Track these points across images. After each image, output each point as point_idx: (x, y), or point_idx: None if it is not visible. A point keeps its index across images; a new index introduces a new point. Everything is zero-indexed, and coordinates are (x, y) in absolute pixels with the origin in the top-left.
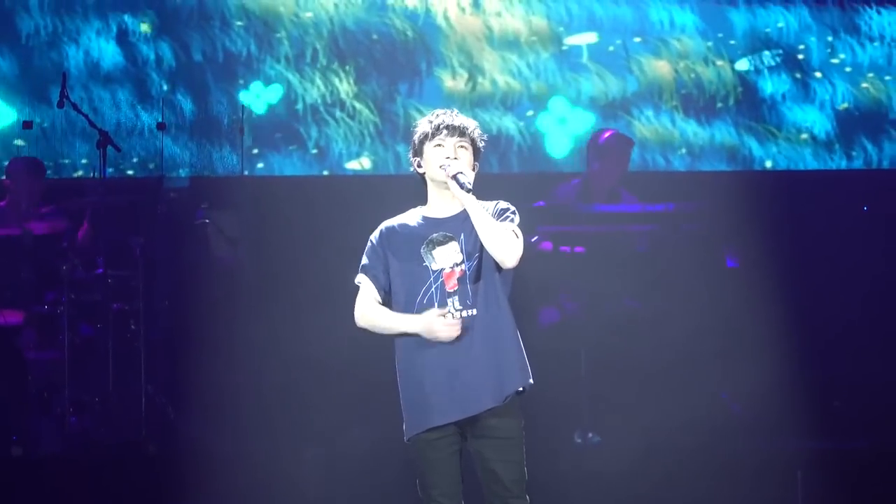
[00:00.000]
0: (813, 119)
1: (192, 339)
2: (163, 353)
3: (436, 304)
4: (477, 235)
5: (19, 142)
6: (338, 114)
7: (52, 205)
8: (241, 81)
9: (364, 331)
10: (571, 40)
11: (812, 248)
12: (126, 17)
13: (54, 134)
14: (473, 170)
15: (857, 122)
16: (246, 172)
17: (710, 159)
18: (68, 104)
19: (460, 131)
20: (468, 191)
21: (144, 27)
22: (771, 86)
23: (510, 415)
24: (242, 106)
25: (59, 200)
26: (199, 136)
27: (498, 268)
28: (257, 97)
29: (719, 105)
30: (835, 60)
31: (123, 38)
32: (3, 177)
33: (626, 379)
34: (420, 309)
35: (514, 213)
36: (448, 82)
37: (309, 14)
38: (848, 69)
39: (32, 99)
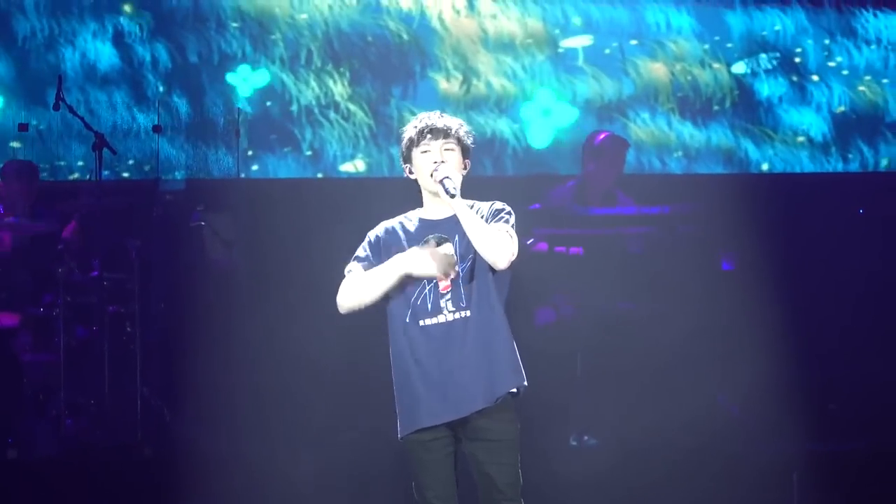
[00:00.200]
0: (809, 122)
1: (187, 342)
2: (158, 355)
3: (429, 306)
4: None
5: (15, 144)
6: (332, 115)
7: (47, 207)
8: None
9: (351, 314)
10: (567, 43)
11: (808, 251)
12: (122, 19)
13: (50, 136)
14: (465, 168)
15: (854, 125)
16: (242, 175)
17: (706, 162)
18: (64, 107)
19: (444, 133)
20: (452, 196)
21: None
22: (767, 88)
23: (504, 417)
24: (238, 109)
25: (54, 203)
26: (194, 138)
27: (492, 270)
28: (244, 80)
29: (716, 108)
30: (831, 63)
31: (119, 39)
32: None
33: (622, 381)
34: (416, 310)
35: (508, 213)
36: (442, 85)
37: (304, 16)
38: (844, 72)
39: (29, 101)
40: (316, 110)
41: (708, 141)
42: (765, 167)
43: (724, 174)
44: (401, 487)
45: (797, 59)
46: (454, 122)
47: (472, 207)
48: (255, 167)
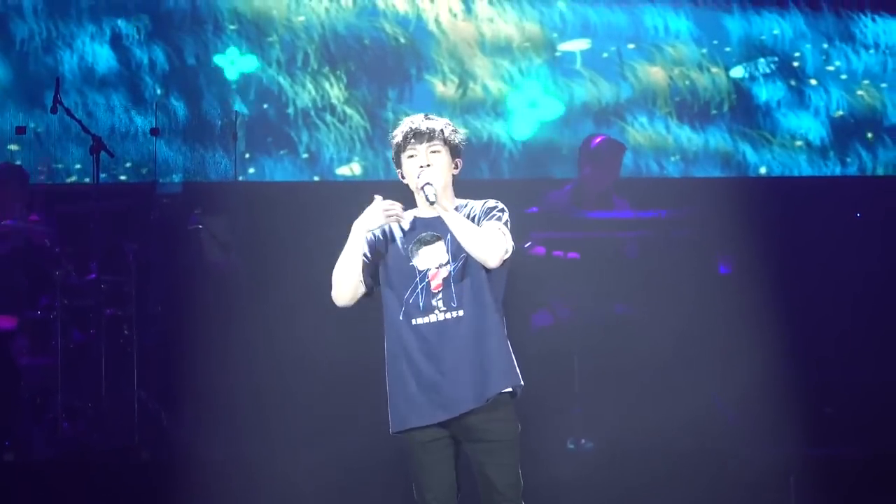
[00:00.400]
0: (808, 126)
1: (185, 345)
2: (156, 358)
3: (421, 304)
4: None
5: (13, 146)
6: (328, 118)
7: (44, 210)
8: (234, 87)
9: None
10: (565, 46)
11: (805, 255)
12: (120, 22)
13: (48, 139)
14: (456, 167)
15: (852, 129)
16: (241, 178)
17: (704, 165)
18: (62, 109)
19: (429, 136)
20: (431, 203)
21: None
22: (766, 93)
23: (502, 417)
24: (236, 111)
25: (51, 206)
26: (192, 141)
27: (486, 268)
28: (231, 63)
29: (714, 112)
30: (830, 68)
31: (117, 42)
32: None
33: (619, 384)
34: (408, 309)
35: (501, 210)
36: (439, 88)
37: (301, 18)
38: (843, 76)
39: (27, 104)
40: (312, 113)
41: (706, 144)
42: (763, 171)
43: (722, 178)
44: (400, 489)
45: (795, 64)
46: (439, 124)
47: (465, 206)
48: (251, 170)
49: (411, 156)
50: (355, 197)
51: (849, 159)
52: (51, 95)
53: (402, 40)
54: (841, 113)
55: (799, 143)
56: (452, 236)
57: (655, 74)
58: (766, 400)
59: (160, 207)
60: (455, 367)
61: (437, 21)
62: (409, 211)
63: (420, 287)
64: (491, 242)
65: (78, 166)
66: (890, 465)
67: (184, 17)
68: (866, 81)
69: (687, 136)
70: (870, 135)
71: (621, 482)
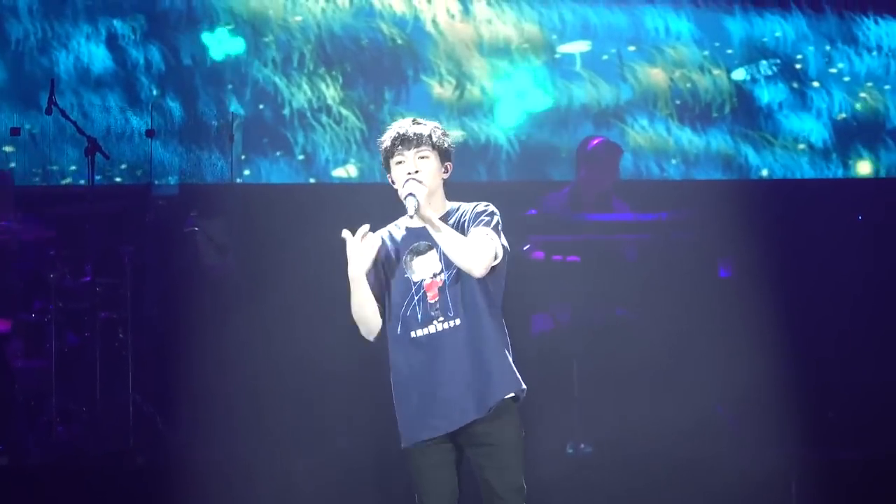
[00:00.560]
0: (810, 128)
1: (181, 348)
2: (151, 362)
3: (419, 317)
4: None
5: (8, 148)
6: (324, 119)
7: (39, 212)
8: (230, 87)
9: (365, 338)
10: (564, 48)
11: (806, 257)
12: (115, 22)
13: (44, 140)
14: (446, 172)
15: (855, 132)
16: (238, 180)
17: (705, 167)
18: (56, 110)
19: (416, 141)
20: (411, 216)
21: None
22: (767, 95)
23: (503, 421)
24: (232, 113)
25: (46, 208)
26: (188, 142)
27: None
28: (219, 43)
29: (715, 115)
30: (832, 70)
31: (113, 42)
32: None
33: (618, 389)
34: (406, 321)
35: (490, 214)
36: (436, 89)
37: (297, 18)
38: (846, 79)
39: (22, 105)
40: (308, 114)
41: (707, 146)
42: (764, 173)
43: (723, 180)
44: (399, 491)
45: (798, 66)
46: (426, 128)
47: (457, 210)
48: (247, 172)
49: (399, 162)
50: (351, 199)
51: (851, 161)
52: (46, 96)
53: (399, 41)
54: (843, 115)
55: (801, 145)
56: None
57: (656, 76)
58: (767, 404)
59: (156, 209)
60: (454, 377)
61: (434, 22)
62: (402, 219)
63: (416, 299)
64: (474, 252)
65: (73, 168)
66: (893, 470)
67: (179, 17)
68: (869, 84)
69: (688, 138)
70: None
71: (621, 487)
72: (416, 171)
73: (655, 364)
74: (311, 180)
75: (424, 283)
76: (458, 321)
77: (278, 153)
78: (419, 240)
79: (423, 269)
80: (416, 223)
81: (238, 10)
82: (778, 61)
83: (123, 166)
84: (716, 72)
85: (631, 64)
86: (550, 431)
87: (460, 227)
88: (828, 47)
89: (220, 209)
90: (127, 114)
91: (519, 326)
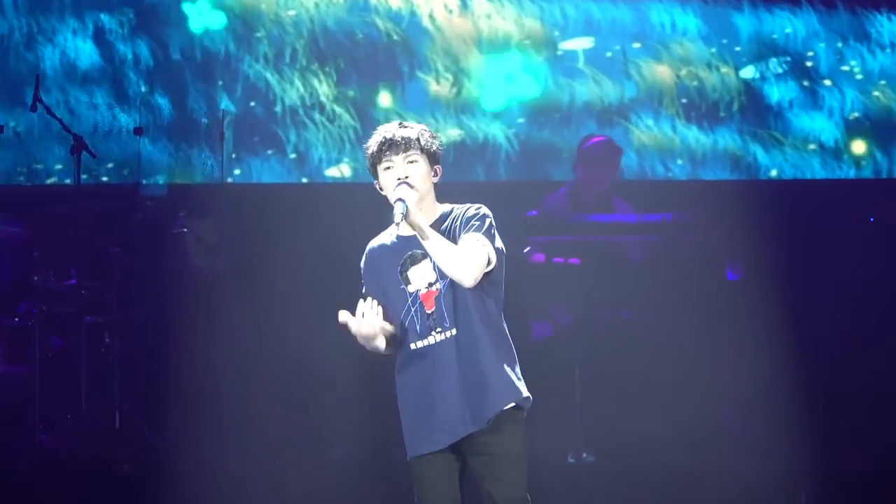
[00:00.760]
0: (821, 127)
1: (169, 353)
2: (138, 367)
3: (417, 328)
4: None
5: None
6: (317, 117)
7: (23, 213)
8: (221, 83)
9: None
10: (567, 45)
11: (817, 260)
12: (103, 16)
13: (29, 138)
14: (436, 175)
15: (867, 131)
16: (229, 180)
17: (712, 167)
18: (41, 107)
19: (405, 145)
20: (397, 224)
21: None
22: (777, 93)
23: (504, 431)
24: (223, 110)
25: (30, 208)
26: (177, 140)
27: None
28: (199, 15)
29: (722, 114)
30: (844, 68)
31: (100, 36)
32: None
33: (621, 396)
34: (404, 334)
35: (481, 218)
36: (432, 87)
37: (291, 12)
38: (858, 77)
39: (7, 102)
40: (301, 111)
41: (714, 145)
42: (774, 173)
43: (731, 180)
44: (397, 499)
45: (808, 63)
46: (414, 131)
47: (450, 214)
48: (237, 171)
49: (388, 167)
50: (345, 200)
51: (863, 162)
52: (31, 93)
53: (395, 37)
54: (856, 114)
55: (812, 145)
56: None
57: (662, 73)
58: (775, 411)
59: (144, 210)
60: (452, 389)
61: (431, 17)
62: (393, 227)
63: (413, 310)
64: (464, 261)
65: (59, 166)
66: None
67: (168, 11)
68: (882, 82)
69: (695, 136)
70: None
71: (624, 498)
72: (406, 177)
73: (660, 370)
74: (304, 180)
75: (420, 294)
76: (454, 331)
77: (270, 152)
78: (412, 248)
79: (419, 278)
80: (407, 230)
81: (229, 4)
82: (788, 59)
83: (110, 165)
84: (724, 69)
85: (636, 61)
86: (551, 440)
87: (452, 232)
88: (840, 44)
89: (209, 209)
90: (114, 111)
91: (518, 332)
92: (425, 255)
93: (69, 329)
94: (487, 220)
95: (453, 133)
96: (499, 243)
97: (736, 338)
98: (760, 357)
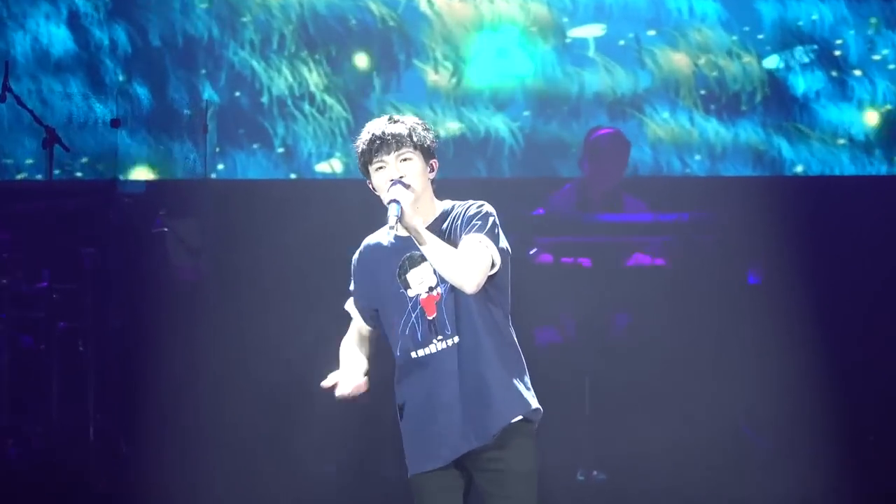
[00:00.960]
0: (851, 120)
1: (147, 363)
2: (114, 377)
3: (418, 336)
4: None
5: None
6: (306, 108)
7: None
8: (203, 71)
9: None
10: (576, 32)
11: (845, 263)
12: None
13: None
14: (432, 170)
15: None
16: (213, 176)
17: (733, 162)
18: (11, 97)
19: (397, 143)
20: (392, 227)
21: None
22: (803, 83)
23: (512, 445)
24: (206, 100)
25: None
26: (157, 133)
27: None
28: None
29: (744, 108)
30: (876, 57)
31: (75, 21)
32: None
33: (634, 409)
34: (404, 342)
35: (482, 217)
36: (430, 76)
37: None
38: (890, 66)
39: None
40: (289, 102)
41: (735, 139)
42: (799, 169)
43: (753, 176)
44: None
45: (837, 52)
46: (405, 126)
47: (451, 212)
48: (221, 166)
49: (379, 168)
50: (336, 198)
51: None
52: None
53: (391, 22)
54: (889, 106)
55: (841, 139)
56: None
57: (679, 62)
58: (800, 427)
59: (121, 208)
60: (454, 401)
61: (429, 1)
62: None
63: (414, 316)
64: (465, 266)
65: (29, 161)
66: None
67: None
68: None
69: (714, 129)
70: None
71: None
72: (401, 176)
73: (676, 381)
74: (292, 176)
75: (420, 299)
76: (456, 339)
77: (256, 145)
78: (410, 249)
79: (418, 282)
80: (405, 230)
81: None
82: (815, 47)
83: (85, 159)
84: (746, 58)
85: (651, 48)
86: (559, 456)
87: (453, 233)
88: (870, 32)
89: (191, 207)
90: (90, 101)
91: (523, 339)
92: (423, 259)
93: (40, 335)
94: (490, 219)
95: (453, 126)
96: (503, 243)
97: (757, 347)
98: (784, 368)
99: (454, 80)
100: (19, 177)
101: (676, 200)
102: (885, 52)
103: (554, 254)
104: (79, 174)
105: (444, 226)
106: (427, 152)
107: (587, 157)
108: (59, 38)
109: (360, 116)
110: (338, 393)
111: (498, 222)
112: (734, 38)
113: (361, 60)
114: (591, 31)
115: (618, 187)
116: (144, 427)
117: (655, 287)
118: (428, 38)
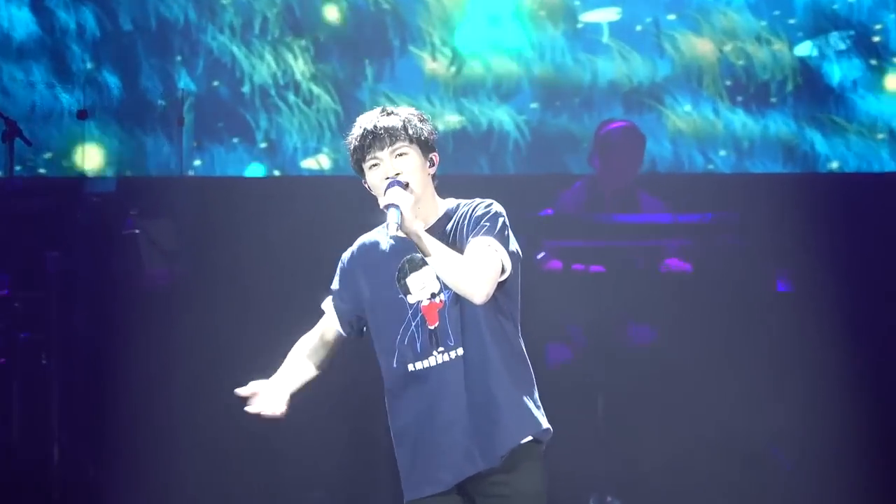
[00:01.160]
0: (891, 112)
1: (117, 377)
2: (81, 393)
3: (417, 346)
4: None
5: None
6: (291, 99)
7: None
8: (179, 58)
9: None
10: (589, 16)
11: (884, 267)
12: None
13: None
14: (432, 164)
15: None
16: (191, 173)
17: (761, 158)
18: None
19: (391, 137)
20: (391, 235)
21: None
22: (839, 72)
23: (521, 468)
24: (182, 89)
25: None
26: (128, 125)
27: None
28: None
29: (774, 98)
30: None
31: (38, 3)
32: None
33: (652, 429)
34: (402, 351)
35: (491, 218)
36: (428, 64)
37: None
38: None
39: None
40: (272, 91)
41: (764, 132)
42: (834, 165)
43: (783, 173)
44: None
45: (876, 38)
46: (399, 118)
47: (455, 211)
48: (197, 162)
49: (374, 165)
50: (324, 196)
51: None
52: None
53: (385, 5)
54: None
55: (880, 133)
56: None
57: (703, 48)
58: (833, 450)
59: (88, 207)
60: (457, 419)
61: None
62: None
63: (413, 325)
64: (473, 274)
65: None
66: None
67: None
68: None
69: (741, 122)
70: None
71: None
72: (397, 174)
73: (697, 398)
74: (276, 172)
75: (422, 306)
76: (460, 351)
77: (236, 139)
78: (410, 250)
79: (419, 287)
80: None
81: None
82: (851, 32)
83: (49, 155)
84: (776, 44)
85: (671, 34)
86: (570, 480)
87: (459, 235)
88: None
89: (166, 207)
90: (55, 90)
91: (531, 354)
92: (424, 262)
93: (0, 348)
94: (500, 220)
95: (453, 119)
96: (514, 245)
97: (787, 360)
98: (815, 382)
99: (454, 68)
100: None
101: (699, 200)
102: None
103: (563, 259)
104: (42, 171)
105: (449, 227)
106: (425, 145)
107: (597, 153)
108: (20, 20)
109: (351, 108)
110: (250, 408)
111: (508, 223)
112: (763, 22)
113: (351, 46)
114: (606, 15)
115: (633, 185)
116: (114, 450)
117: (675, 296)
118: (425, 22)
